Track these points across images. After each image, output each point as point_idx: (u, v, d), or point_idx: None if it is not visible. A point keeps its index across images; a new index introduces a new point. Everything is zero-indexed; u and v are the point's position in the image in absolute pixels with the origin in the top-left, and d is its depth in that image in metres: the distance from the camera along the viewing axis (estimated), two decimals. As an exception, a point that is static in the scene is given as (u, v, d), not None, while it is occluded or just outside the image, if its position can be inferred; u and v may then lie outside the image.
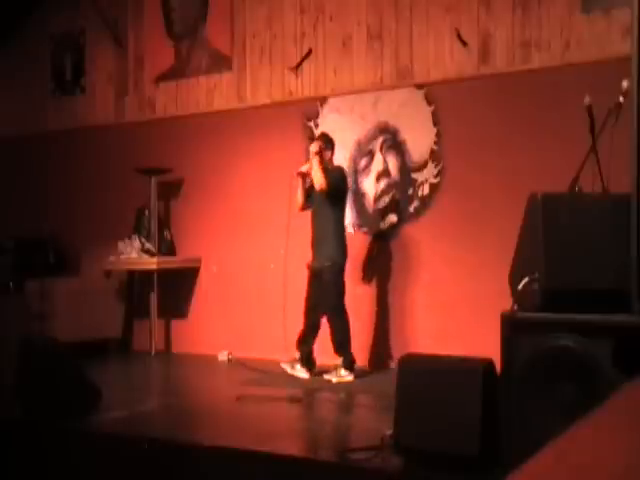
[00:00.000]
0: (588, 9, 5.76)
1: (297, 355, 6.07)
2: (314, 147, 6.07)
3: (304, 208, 6.20)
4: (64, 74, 8.57)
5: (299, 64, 7.04)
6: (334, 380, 5.82)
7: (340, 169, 6.19)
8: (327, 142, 6.13)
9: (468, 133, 6.25)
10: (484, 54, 6.18)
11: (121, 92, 8.19)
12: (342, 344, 5.89)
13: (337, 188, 6.00)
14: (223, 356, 7.02)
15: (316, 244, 6.07)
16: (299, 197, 6.20)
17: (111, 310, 7.76)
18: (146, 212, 7.66)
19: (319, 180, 5.92)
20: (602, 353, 3.23)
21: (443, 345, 6.11)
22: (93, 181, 8.19)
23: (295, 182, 6.18)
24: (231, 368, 6.74)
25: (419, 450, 3.53)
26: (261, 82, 7.30)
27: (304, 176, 6.14)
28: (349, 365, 5.89)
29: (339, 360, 5.90)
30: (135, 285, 8.02)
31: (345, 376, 5.84)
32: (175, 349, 7.72)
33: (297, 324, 6.21)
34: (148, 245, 7.48)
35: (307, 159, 6.28)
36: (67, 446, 4.44)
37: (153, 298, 7.54)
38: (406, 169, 6.57)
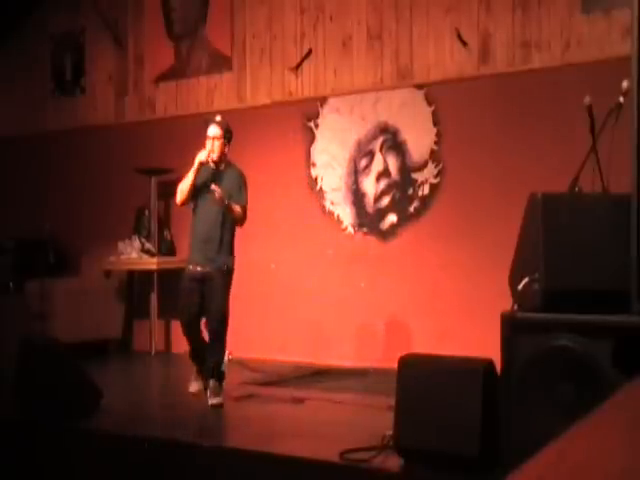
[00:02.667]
0: (588, 9, 5.76)
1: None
2: (215, 136, 5.14)
3: (185, 203, 5.27)
4: (64, 74, 8.57)
5: (299, 64, 7.04)
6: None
7: (242, 175, 5.28)
8: (227, 132, 5.25)
9: (468, 133, 6.25)
10: (484, 54, 6.18)
11: (121, 92, 8.19)
12: None
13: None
14: (223, 356, 7.01)
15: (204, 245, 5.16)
16: (185, 189, 5.15)
17: (111, 310, 7.76)
18: (146, 212, 7.66)
19: (241, 219, 5.12)
20: (602, 353, 3.23)
21: (443, 345, 6.11)
22: (93, 181, 8.19)
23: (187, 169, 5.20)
24: (231, 368, 6.73)
25: (419, 450, 3.54)
26: (261, 82, 7.30)
27: (202, 165, 5.16)
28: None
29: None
30: (135, 285, 8.02)
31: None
32: (175, 349, 7.71)
33: (297, 324, 6.21)
34: (148, 245, 7.48)
35: (308, 159, 6.27)
36: (67, 446, 4.44)
37: (153, 298, 7.54)
38: (406, 169, 6.57)
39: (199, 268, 5.10)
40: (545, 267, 3.45)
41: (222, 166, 5.20)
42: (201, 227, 5.15)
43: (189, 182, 5.12)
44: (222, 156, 5.18)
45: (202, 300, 5.09)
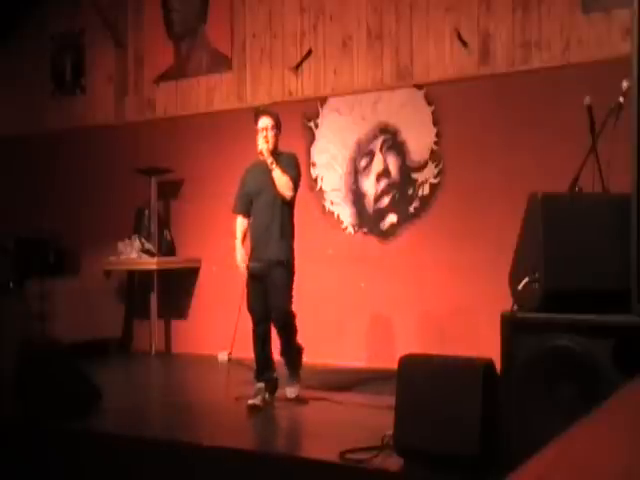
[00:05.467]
0: (588, 9, 5.76)
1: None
2: (268, 125, 5.20)
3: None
4: (64, 74, 8.57)
5: (299, 64, 7.04)
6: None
7: (296, 158, 5.36)
8: (278, 122, 5.32)
9: (468, 133, 6.25)
10: (484, 54, 6.18)
11: (121, 92, 8.19)
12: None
13: (297, 187, 5.27)
14: (223, 356, 7.02)
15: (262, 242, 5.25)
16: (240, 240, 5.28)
17: (111, 310, 7.76)
18: (146, 212, 7.66)
19: (285, 184, 5.12)
20: (602, 353, 3.23)
21: (443, 345, 6.11)
22: (93, 181, 8.19)
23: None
24: (231, 368, 6.74)
25: (419, 450, 3.53)
26: (261, 82, 7.30)
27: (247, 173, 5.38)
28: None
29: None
30: (135, 285, 8.02)
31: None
32: (175, 349, 7.72)
33: (297, 324, 6.20)
34: (148, 245, 7.48)
35: (308, 159, 6.25)
36: (67, 446, 4.44)
37: (153, 298, 7.54)
38: (406, 169, 6.57)
39: (258, 264, 5.15)
40: (545, 267, 3.45)
41: (275, 156, 5.19)
42: (258, 226, 5.21)
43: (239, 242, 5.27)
44: (275, 145, 5.22)
45: (265, 297, 5.15)
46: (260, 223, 5.20)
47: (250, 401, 5.02)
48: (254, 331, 5.24)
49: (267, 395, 5.11)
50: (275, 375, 5.23)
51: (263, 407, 5.00)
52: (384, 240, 6.64)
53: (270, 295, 5.12)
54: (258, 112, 5.36)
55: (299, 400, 5.18)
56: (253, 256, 5.21)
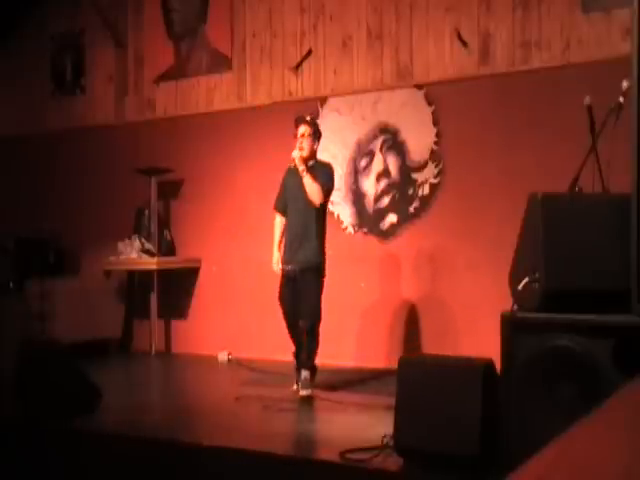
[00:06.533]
0: (588, 9, 5.76)
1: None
2: (305, 132, 5.45)
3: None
4: (64, 74, 8.57)
5: (299, 64, 7.04)
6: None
7: (330, 168, 5.62)
8: (316, 130, 5.58)
9: (468, 133, 6.25)
10: (484, 54, 6.18)
11: (121, 92, 8.19)
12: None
13: (328, 195, 5.51)
14: (223, 356, 7.02)
15: (294, 245, 5.47)
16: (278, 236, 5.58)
17: (111, 310, 7.76)
18: (146, 212, 7.66)
19: (314, 192, 5.34)
20: (602, 353, 3.23)
21: (443, 345, 6.11)
22: (93, 181, 8.19)
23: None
24: (231, 368, 6.74)
25: (419, 450, 3.53)
26: (261, 82, 7.30)
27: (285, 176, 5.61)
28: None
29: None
30: (135, 285, 8.02)
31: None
32: (175, 349, 7.72)
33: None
34: (148, 245, 7.48)
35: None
36: (67, 446, 4.44)
37: (153, 298, 7.54)
38: (406, 169, 6.57)
39: (289, 266, 5.43)
40: (545, 267, 3.45)
41: (311, 162, 5.46)
42: (291, 229, 5.49)
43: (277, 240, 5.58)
44: (311, 153, 5.47)
45: (295, 297, 5.40)
46: (294, 225, 5.46)
47: (303, 392, 5.29)
48: (286, 322, 5.52)
49: (311, 382, 5.40)
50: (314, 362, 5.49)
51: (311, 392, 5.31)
52: (384, 240, 6.64)
53: (300, 299, 5.37)
54: (298, 120, 5.58)
55: (310, 398, 5.30)
56: (286, 258, 5.47)
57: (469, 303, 6.12)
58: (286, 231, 5.54)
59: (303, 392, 5.32)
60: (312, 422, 4.89)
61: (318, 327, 5.41)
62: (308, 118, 5.60)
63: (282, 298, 5.48)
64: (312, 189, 5.32)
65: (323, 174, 5.43)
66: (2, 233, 7.98)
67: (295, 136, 5.46)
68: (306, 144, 5.42)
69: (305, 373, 5.39)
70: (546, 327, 3.40)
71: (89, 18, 8.28)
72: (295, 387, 5.47)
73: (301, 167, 5.33)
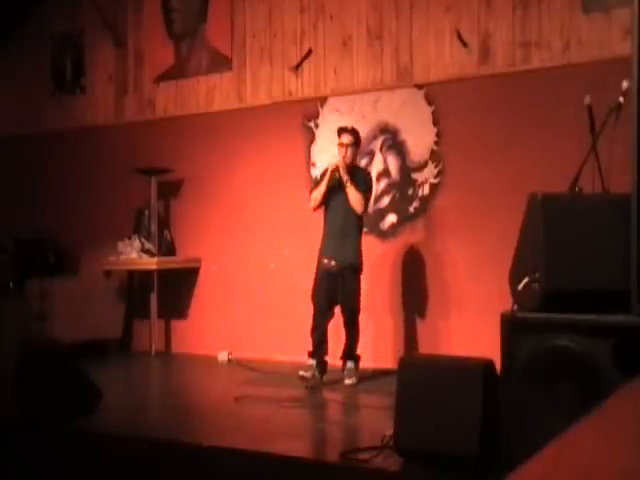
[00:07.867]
0: (588, 9, 5.76)
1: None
2: (346, 140, 5.72)
3: (318, 209, 5.86)
4: (64, 74, 8.56)
5: (299, 64, 7.04)
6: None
7: (369, 174, 6.03)
8: (358, 139, 5.83)
9: (468, 133, 6.25)
10: (484, 54, 6.18)
11: (121, 92, 8.19)
12: None
13: (367, 203, 5.80)
14: (223, 356, 7.02)
15: (336, 242, 5.70)
16: (319, 196, 5.75)
17: (111, 310, 7.76)
18: (146, 212, 7.66)
19: (357, 202, 5.62)
20: (602, 353, 3.23)
21: (443, 345, 6.12)
22: (93, 181, 8.19)
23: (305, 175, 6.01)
24: (231, 368, 6.74)
25: (419, 450, 3.53)
26: (261, 82, 7.30)
27: (333, 172, 5.71)
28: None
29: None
30: (135, 285, 8.02)
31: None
32: (175, 349, 7.72)
33: (297, 324, 6.20)
34: (148, 245, 7.48)
35: (308, 158, 6.25)
36: (67, 446, 4.44)
37: (153, 298, 7.53)
38: (406, 169, 6.57)
39: (328, 261, 5.67)
40: (545, 267, 3.45)
41: (351, 170, 5.70)
42: (331, 226, 5.75)
43: (322, 190, 5.71)
44: (353, 161, 5.77)
45: (332, 291, 5.65)
46: (336, 219, 5.71)
47: (301, 372, 5.67)
48: (315, 318, 5.71)
49: (317, 373, 5.66)
50: (326, 359, 5.72)
51: (311, 382, 5.58)
52: (384, 240, 6.64)
53: (343, 296, 5.63)
54: (341, 129, 5.82)
55: (354, 386, 5.65)
56: (327, 253, 5.70)
57: (469, 303, 6.12)
58: (328, 223, 5.78)
59: (348, 381, 5.65)
60: (312, 422, 4.89)
61: (358, 319, 5.71)
62: (350, 128, 5.82)
63: (317, 294, 5.70)
64: (355, 199, 5.60)
65: (363, 183, 5.71)
66: (2, 233, 7.98)
67: (340, 145, 5.69)
68: (349, 153, 5.67)
69: (350, 363, 5.72)
70: (546, 327, 3.40)
71: (89, 17, 8.28)
72: (301, 373, 5.70)
73: (345, 177, 5.60)
